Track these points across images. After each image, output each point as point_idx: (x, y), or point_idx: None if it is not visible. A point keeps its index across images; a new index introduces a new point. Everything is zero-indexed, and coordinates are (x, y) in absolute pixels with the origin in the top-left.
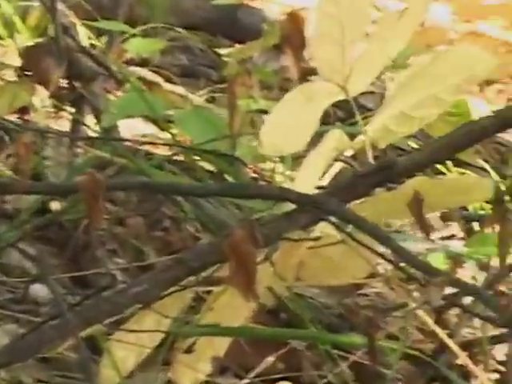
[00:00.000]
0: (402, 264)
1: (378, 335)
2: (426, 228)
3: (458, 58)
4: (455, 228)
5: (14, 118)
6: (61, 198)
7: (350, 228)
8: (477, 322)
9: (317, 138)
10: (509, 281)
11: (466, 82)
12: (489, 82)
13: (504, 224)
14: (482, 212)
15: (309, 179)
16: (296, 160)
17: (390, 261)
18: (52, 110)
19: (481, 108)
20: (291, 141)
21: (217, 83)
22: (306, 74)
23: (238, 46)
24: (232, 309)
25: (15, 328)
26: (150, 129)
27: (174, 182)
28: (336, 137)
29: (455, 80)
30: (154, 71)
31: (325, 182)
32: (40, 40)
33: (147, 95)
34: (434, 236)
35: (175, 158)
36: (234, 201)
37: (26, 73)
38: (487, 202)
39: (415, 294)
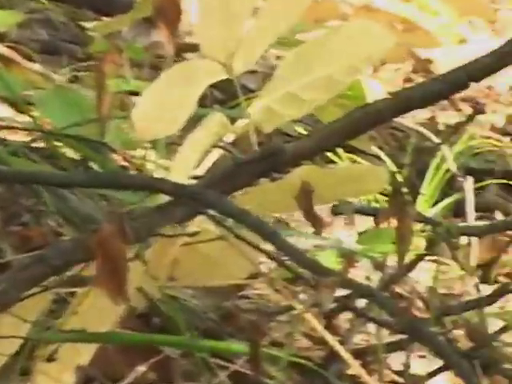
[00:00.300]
0: (289, 262)
1: (261, 342)
2: (315, 222)
3: (354, 36)
4: (347, 222)
5: None
6: None
7: (230, 222)
8: (371, 327)
9: (193, 123)
10: (406, 282)
11: (363, 62)
12: (384, 61)
13: (402, 218)
14: (377, 205)
15: (185, 168)
16: (170, 147)
17: (275, 259)
18: None
19: (376, 90)
20: (165, 124)
21: (81, 61)
22: (181, 50)
23: (105, 19)
24: (99, 312)
25: None
26: (7, 111)
27: (33, 171)
28: (216, 120)
29: (350, 60)
30: (10, 47)
31: (202, 171)
32: None
33: (3, 74)
34: (324, 231)
35: (35, 144)
36: (102, 192)
37: None
38: (382, 194)
39: (303, 296)
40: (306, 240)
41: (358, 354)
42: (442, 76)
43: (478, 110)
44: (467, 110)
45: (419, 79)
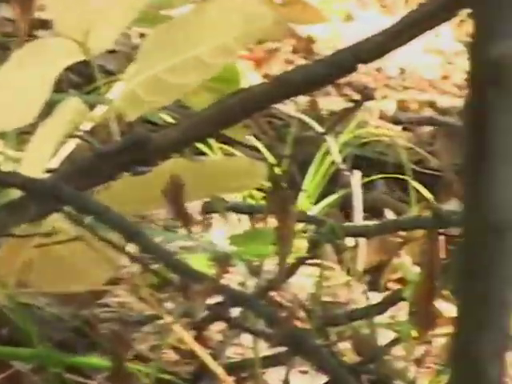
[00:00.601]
0: (155, 266)
1: (124, 355)
2: (184, 221)
3: (226, 12)
4: (219, 221)
5: None
6: None
7: (89, 221)
8: (246, 338)
9: (46, 109)
10: (286, 288)
11: (236, 41)
12: (260, 40)
13: (282, 217)
14: (253, 202)
15: (38, 160)
16: (21, 136)
17: (139, 262)
18: None
19: (252, 73)
20: (18, 113)
21: None
22: (33, 27)
23: None
24: None
25: None
26: None
27: None
28: (72, 107)
29: (222, 39)
30: None
31: (57, 163)
32: None
33: None
34: (195, 231)
35: None
36: None
37: None
38: (259, 190)
39: (170, 304)
40: (174, 241)
41: (232, 368)
42: (327, 57)
43: (367, 95)
44: (354, 95)
45: (300, 61)
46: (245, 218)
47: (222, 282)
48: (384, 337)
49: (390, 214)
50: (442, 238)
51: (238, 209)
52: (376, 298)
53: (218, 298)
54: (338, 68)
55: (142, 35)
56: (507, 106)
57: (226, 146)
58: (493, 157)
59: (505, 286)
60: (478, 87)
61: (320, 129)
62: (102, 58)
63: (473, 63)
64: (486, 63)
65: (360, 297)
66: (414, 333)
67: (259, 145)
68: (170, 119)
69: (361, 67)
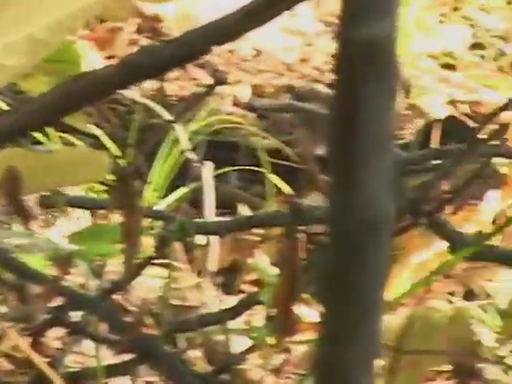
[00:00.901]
0: None
1: None
2: (22, 216)
3: None
4: (58, 217)
5: None
6: None
7: None
8: (88, 345)
9: None
10: (131, 290)
11: (75, 17)
12: (102, 19)
13: (128, 212)
14: (95, 196)
15: None
16: None
17: None
18: None
19: (93, 54)
20: None
21: None
22: None
23: None
24: None
25: None
26: None
27: None
28: None
29: (59, 15)
30: None
31: None
32: None
33: None
34: (33, 227)
35: None
36: None
37: None
38: (101, 183)
39: (3, 307)
40: (9, 238)
41: (72, 378)
42: (176, 38)
43: (219, 79)
44: (205, 79)
45: (146, 41)
46: (86, 213)
47: (62, 283)
48: (238, 344)
49: (244, 210)
50: (302, 235)
51: (78, 203)
52: (230, 301)
53: (57, 301)
54: (188, 50)
55: None
56: (380, 88)
57: (65, 135)
58: (365, 144)
59: (379, 283)
60: (347, 70)
61: (168, 116)
62: None
63: (342, 45)
64: (357, 45)
65: (212, 300)
66: (272, 339)
67: (101, 133)
68: (3, 105)
69: (213, 49)
